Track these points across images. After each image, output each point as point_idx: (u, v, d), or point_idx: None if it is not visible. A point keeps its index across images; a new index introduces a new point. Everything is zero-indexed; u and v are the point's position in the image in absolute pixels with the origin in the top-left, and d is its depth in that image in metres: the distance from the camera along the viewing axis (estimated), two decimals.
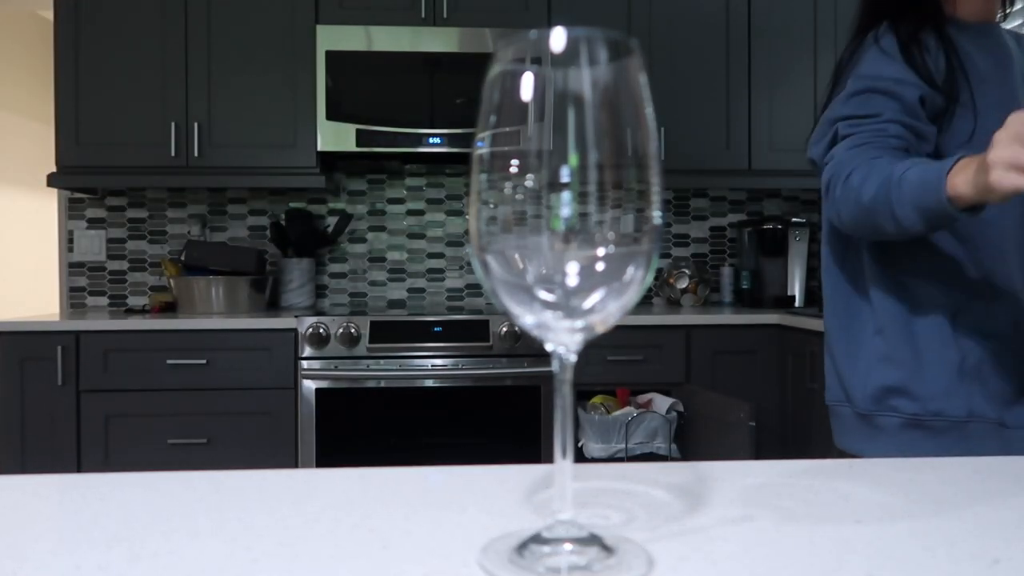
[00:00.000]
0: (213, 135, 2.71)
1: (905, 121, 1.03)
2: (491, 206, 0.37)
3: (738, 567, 0.40)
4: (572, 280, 0.36)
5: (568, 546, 0.39)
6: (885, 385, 1.09)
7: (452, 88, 2.67)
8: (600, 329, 0.38)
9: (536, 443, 2.49)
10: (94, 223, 3.02)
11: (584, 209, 0.35)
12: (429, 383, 2.47)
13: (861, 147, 1.02)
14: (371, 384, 2.46)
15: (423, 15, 2.75)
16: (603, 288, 0.37)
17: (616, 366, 2.56)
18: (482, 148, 0.37)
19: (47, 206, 4.69)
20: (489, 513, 0.49)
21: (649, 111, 0.36)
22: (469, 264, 3.14)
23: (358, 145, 2.65)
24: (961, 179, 0.85)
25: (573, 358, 0.40)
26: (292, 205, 3.06)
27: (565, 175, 0.35)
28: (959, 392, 1.05)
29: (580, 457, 2.37)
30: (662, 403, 2.47)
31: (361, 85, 2.65)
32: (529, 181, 0.35)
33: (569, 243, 0.36)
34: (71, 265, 3.02)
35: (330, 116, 2.64)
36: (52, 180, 2.68)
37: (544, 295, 0.37)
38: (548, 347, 0.39)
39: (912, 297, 1.08)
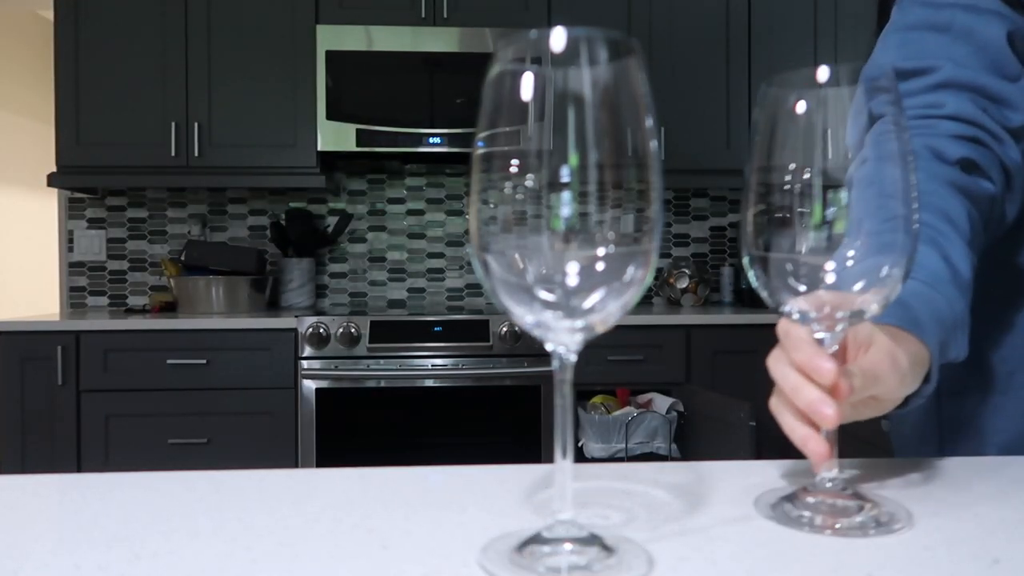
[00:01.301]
0: (213, 135, 2.71)
1: (970, 82, 0.66)
2: (491, 206, 0.37)
3: (738, 567, 0.40)
4: (572, 280, 0.36)
5: (568, 546, 0.39)
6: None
7: (452, 88, 2.67)
8: (600, 329, 0.38)
9: (536, 443, 2.49)
10: (94, 223, 3.02)
11: (584, 209, 0.35)
12: (429, 383, 2.47)
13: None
14: (371, 384, 2.46)
15: (423, 15, 2.75)
16: (603, 288, 0.37)
17: (616, 366, 2.56)
18: (482, 148, 0.37)
19: (47, 206, 4.68)
20: (489, 513, 0.49)
21: (649, 111, 0.36)
22: (469, 264, 3.14)
23: (358, 145, 2.65)
24: None
25: (573, 358, 0.40)
26: (292, 205, 3.06)
27: (565, 175, 0.35)
28: None
29: (580, 457, 2.36)
30: (662, 403, 2.47)
31: (361, 85, 2.65)
32: (529, 181, 0.35)
33: (569, 243, 0.36)
34: (71, 265, 3.02)
35: (330, 116, 2.64)
36: (52, 180, 2.68)
37: (544, 295, 0.37)
38: (548, 347, 0.39)
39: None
